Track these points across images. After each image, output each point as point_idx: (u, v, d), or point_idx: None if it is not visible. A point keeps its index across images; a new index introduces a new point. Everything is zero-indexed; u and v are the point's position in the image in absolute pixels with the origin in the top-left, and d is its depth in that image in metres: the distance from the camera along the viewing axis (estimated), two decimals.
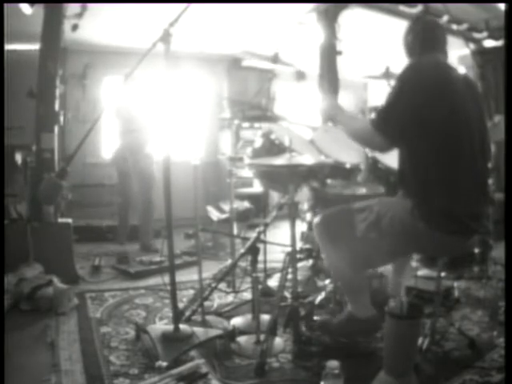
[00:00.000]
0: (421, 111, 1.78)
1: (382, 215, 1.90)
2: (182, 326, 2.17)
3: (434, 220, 1.80)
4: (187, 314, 2.48)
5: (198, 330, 2.21)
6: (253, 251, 2.30)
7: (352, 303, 2.10)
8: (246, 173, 3.22)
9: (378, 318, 2.06)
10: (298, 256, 2.99)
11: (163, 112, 2.16)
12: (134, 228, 4.47)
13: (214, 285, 2.68)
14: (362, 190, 2.47)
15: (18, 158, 4.03)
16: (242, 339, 2.24)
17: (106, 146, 5.66)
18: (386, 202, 1.99)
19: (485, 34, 5.02)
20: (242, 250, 2.45)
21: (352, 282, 2.07)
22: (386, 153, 2.02)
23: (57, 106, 3.45)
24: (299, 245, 3.28)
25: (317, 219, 2.11)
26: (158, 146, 4.43)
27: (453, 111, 1.81)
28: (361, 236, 1.93)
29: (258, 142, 2.49)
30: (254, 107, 3.44)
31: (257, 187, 5.19)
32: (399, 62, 2.08)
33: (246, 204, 4.74)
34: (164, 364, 1.91)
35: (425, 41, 1.97)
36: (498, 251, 2.97)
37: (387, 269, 2.50)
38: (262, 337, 2.14)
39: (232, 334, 2.23)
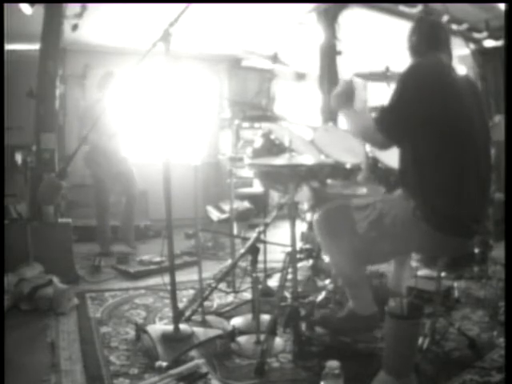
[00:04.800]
0: (423, 112, 1.78)
1: (385, 213, 1.90)
2: (181, 326, 2.17)
3: (436, 221, 1.80)
4: (187, 313, 2.48)
5: (198, 330, 2.21)
6: (253, 251, 2.30)
7: (353, 299, 2.10)
8: (246, 173, 3.22)
9: (378, 315, 2.06)
10: (298, 256, 2.99)
11: (163, 112, 2.16)
12: (138, 228, 4.48)
13: (214, 285, 2.68)
14: (362, 190, 2.47)
15: (18, 157, 4.03)
16: (241, 339, 2.24)
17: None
18: (389, 200, 1.98)
19: (485, 34, 5.02)
20: (242, 250, 2.46)
21: (352, 277, 2.07)
22: (385, 150, 2.02)
23: (57, 106, 3.45)
24: (299, 245, 3.28)
25: (317, 214, 2.11)
26: (133, 149, 4.43)
27: (456, 113, 1.81)
28: (362, 233, 1.93)
29: (258, 142, 2.49)
30: (254, 107, 3.44)
31: (257, 187, 5.20)
32: (399, 61, 2.08)
33: (246, 204, 4.74)
34: (164, 364, 1.91)
35: (430, 41, 1.97)
36: (498, 251, 2.97)
37: (388, 268, 2.50)
38: (262, 337, 2.14)
39: (232, 334, 2.22)
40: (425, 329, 2.08)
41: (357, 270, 2.05)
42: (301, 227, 3.43)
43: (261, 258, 2.64)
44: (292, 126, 2.88)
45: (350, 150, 2.52)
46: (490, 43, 5.16)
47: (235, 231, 3.46)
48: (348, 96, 2.05)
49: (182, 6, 2.00)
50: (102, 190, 4.11)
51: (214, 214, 4.70)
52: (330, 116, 4.13)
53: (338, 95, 2.06)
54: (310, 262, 3.07)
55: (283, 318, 2.22)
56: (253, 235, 2.46)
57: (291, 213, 2.23)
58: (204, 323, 2.45)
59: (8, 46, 3.59)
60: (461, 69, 2.04)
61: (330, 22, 4.20)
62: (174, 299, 2.17)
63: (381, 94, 1.99)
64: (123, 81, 4.04)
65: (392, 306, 1.74)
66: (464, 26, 4.79)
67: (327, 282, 2.69)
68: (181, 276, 3.09)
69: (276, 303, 2.30)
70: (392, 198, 2.00)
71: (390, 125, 1.84)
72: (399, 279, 2.35)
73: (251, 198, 4.96)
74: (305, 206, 3.03)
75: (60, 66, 3.58)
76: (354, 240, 1.95)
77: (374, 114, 1.94)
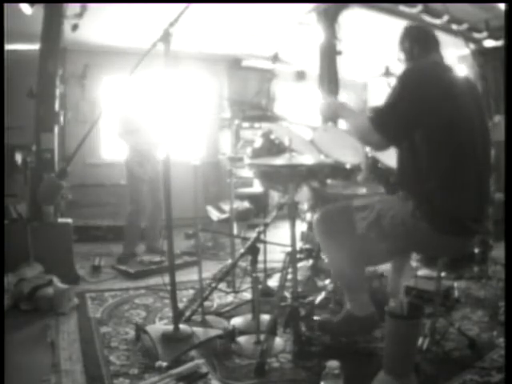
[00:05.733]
0: (422, 113, 1.78)
1: (383, 214, 1.90)
2: (181, 326, 2.17)
3: (436, 222, 1.80)
4: (187, 314, 2.48)
5: (198, 330, 2.21)
6: (253, 251, 2.30)
7: (350, 301, 2.10)
8: (246, 173, 3.21)
9: (376, 316, 2.06)
10: (298, 256, 2.99)
11: (163, 112, 2.16)
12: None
13: (213, 285, 2.68)
14: (362, 190, 2.47)
15: (18, 157, 4.03)
16: (241, 339, 2.24)
17: (106, 146, 5.67)
18: (388, 201, 1.98)
19: (485, 34, 5.02)
20: (242, 250, 2.46)
21: (351, 278, 2.07)
22: (382, 151, 2.03)
23: (57, 106, 3.45)
24: (299, 245, 3.28)
25: (317, 215, 2.11)
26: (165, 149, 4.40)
27: (455, 113, 1.81)
28: (361, 234, 1.93)
29: (258, 142, 2.49)
30: (254, 107, 3.44)
31: (257, 187, 5.20)
32: (399, 62, 2.09)
33: (246, 204, 4.74)
34: (164, 364, 1.91)
35: (422, 43, 2.01)
36: (498, 251, 2.98)
37: (387, 269, 2.50)
38: (262, 337, 2.14)
39: (232, 334, 2.23)
40: (425, 329, 2.08)
41: (355, 271, 2.05)
42: (301, 227, 3.43)
43: (261, 258, 2.64)
44: (292, 126, 2.88)
45: (350, 150, 2.52)
46: (490, 43, 5.16)
47: (235, 231, 3.46)
48: (334, 109, 2.12)
49: (182, 5, 2.01)
50: (138, 190, 4.08)
51: (214, 214, 4.70)
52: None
53: (325, 112, 2.12)
54: (310, 262, 3.08)
55: (283, 318, 2.22)
56: (253, 235, 2.46)
57: (291, 213, 2.23)
58: (204, 323, 2.44)
59: (8, 46, 3.59)
60: (461, 69, 2.05)
61: (330, 22, 4.20)
62: (174, 299, 2.17)
63: (381, 94, 1.99)
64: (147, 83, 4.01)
65: (392, 306, 1.74)
66: (464, 26, 4.79)
67: (327, 282, 2.69)
68: (181, 276, 3.10)
69: (276, 303, 2.30)
70: (390, 199, 2.00)
71: (384, 122, 1.84)
72: (397, 284, 2.35)
73: (251, 197, 4.96)
74: (305, 206, 3.04)
75: (60, 66, 3.57)
76: (352, 241, 1.96)
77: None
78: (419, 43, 2.01)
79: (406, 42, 2.04)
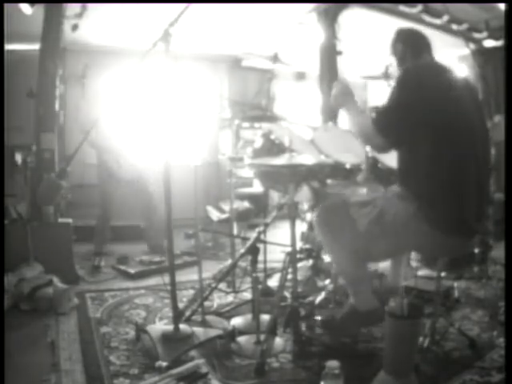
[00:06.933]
0: (421, 112, 1.78)
1: (386, 211, 1.89)
2: (181, 326, 2.17)
3: (438, 222, 1.80)
4: (187, 314, 2.48)
5: (198, 329, 2.21)
6: (253, 251, 2.30)
7: (353, 296, 2.09)
8: (246, 173, 3.22)
9: (379, 310, 2.05)
10: (298, 256, 2.99)
11: (163, 112, 2.16)
12: (139, 228, 4.48)
13: (214, 285, 2.68)
14: (362, 190, 2.47)
15: (18, 157, 4.03)
16: (241, 339, 2.24)
17: None
18: (390, 198, 1.98)
19: (485, 34, 5.02)
20: (242, 250, 2.46)
21: (353, 274, 2.07)
22: (384, 153, 2.02)
23: (57, 106, 3.45)
24: (299, 245, 3.28)
25: (316, 212, 2.11)
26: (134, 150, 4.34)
27: (454, 114, 1.82)
28: (363, 231, 1.93)
29: (258, 142, 2.49)
30: (254, 107, 3.44)
31: (257, 187, 5.19)
32: (390, 66, 2.09)
33: (246, 204, 4.74)
34: (164, 364, 1.91)
35: (415, 46, 2.02)
36: (498, 251, 2.98)
37: (387, 268, 2.51)
38: (262, 337, 2.14)
39: (232, 334, 2.23)
40: (425, 329, 2.08)
41: (358, 266, 2.05)
42: (301, 227, 3.43)
43: (261, 258, 2.64)
44: (292, 126, 2.88)
45: (350, 150, 2.52)
46: (490, 43, 5.16)
47: (235, 231, 3.46)
48: (345, 95, 2.06)
49: (182, 5, 2.00)
50: (111, 193, 4.04)
51: (214, 214, 4.70)
52: (330, 116, 4.13)
53: (336, 96, 2.07)
54: (310, 261, 3.08)
55: (283, 318, 2.22)
56: (253, 235, 2.46)
57: (291, 213, 2.23)
58: (204, 323, 2.45)
59: (8, 46, 3.59)
60: (461, 69, 2.06)
61: (330, 22, 4.20)
62: (174, 299, 2.17)
63: (381, 94, 1.99)
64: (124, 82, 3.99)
65: (392, 306, 1.74)
66: (464, 26, 4.79)
67: (327, 282, 2.69)
68: (181, 276, 3.09)
69: (276, 303, 2.30)
70: (392, 196, 1.99)
71: (386, 125, 1.84)
72: (396, 276, 2.35)
73: (251, 197, 4.96)
74: (305, 206, 3.04)
75: (60, 66, 3.57)
76: (354, 237, 1.95)
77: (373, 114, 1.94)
78: (411, 46, 2.02)
79: (399, 45, 2.05)
